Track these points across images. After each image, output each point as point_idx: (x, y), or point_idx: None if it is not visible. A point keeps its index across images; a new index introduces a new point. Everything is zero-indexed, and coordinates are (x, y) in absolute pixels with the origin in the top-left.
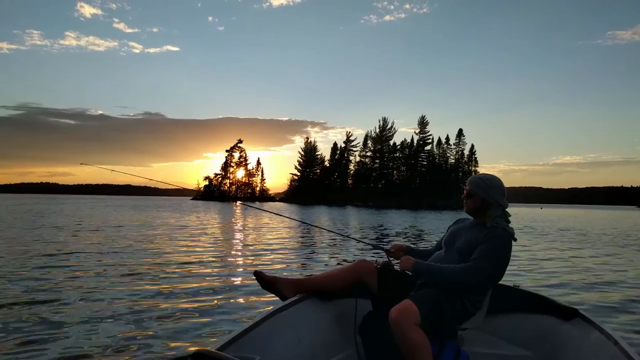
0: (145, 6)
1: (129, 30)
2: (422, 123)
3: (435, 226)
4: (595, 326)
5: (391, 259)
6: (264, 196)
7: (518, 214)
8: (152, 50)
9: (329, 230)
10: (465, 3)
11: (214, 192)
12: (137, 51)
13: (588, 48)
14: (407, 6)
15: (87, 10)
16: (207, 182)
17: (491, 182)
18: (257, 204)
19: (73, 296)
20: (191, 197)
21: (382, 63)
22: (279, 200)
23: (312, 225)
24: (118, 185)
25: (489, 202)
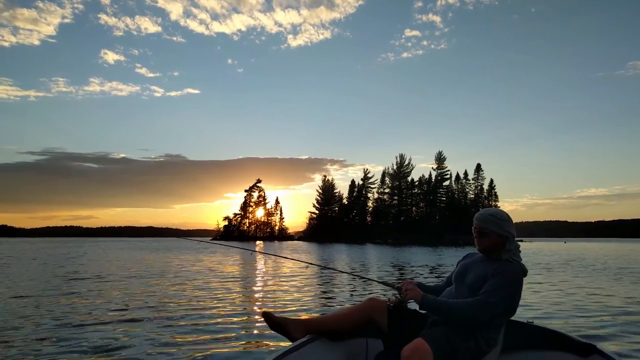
0: (166, 51)
1: (151, 75)
2: (440, 159)
3: (455, 262)
4: None
5: (403, 296)
6: (283, 235)
7: (539, 249)
8: (173, 93)
9: (337, 270)
10: (482, 38)
11: (233, 232)
12: (158, 95)
13: (609, 79)
14: (425, 43)
15: (111, 57)
16: (226, 222)
17: (501, 215)
18: (275, 244)
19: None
20: (211, 238)
21: (400, 99)
22: (298, 239)
23: (316, 265)
24: (140, 227)
25: (504, 236)
